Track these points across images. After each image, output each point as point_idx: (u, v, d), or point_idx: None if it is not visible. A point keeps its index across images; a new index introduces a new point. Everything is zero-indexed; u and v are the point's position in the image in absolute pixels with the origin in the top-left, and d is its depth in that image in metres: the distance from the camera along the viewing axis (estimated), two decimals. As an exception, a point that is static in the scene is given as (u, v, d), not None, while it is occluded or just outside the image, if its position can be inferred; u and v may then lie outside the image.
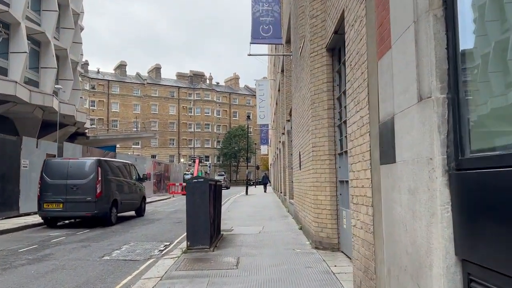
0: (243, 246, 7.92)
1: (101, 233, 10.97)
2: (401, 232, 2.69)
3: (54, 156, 15.81)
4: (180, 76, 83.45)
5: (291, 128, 14.58)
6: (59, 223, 13.18)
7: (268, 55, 27.79)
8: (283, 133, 19.43)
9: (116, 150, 48.81)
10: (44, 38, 22.74)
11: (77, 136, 31.46)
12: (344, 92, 6.55)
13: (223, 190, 43.10)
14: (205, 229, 7.25)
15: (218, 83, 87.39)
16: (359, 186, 3.94)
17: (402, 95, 2.65)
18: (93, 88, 70.68)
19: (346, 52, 4.61)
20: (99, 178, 12.13)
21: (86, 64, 73.00)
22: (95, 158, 12.54)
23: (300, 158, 9.90)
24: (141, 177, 15.56)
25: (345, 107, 6.59)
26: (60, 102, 22.82)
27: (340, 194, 7.06)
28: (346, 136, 6.44)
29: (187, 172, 33.78)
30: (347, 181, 6.56)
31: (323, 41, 7.35)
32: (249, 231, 9.97)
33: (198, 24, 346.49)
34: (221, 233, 9.43)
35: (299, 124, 9.98)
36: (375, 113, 3.28)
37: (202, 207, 7.25)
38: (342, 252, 6.86)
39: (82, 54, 31.34)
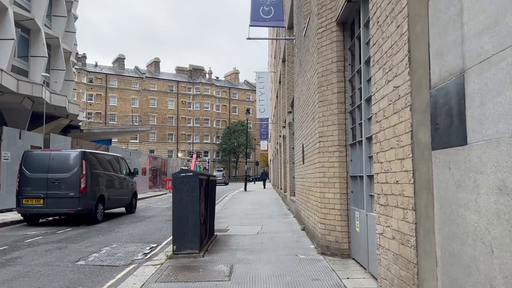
0: (239, 250, 6.92)
1: (84, 232, 9.98)
2: (478, 253, 1.69)
3: (40, 148, 14.80)
4: (179, 70, 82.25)
5: (293, 120, 13.57)
6: (41, 220, 12.20)
7: (269, 38, 26.53)
8: (284, 127, 18.42)
9: (113, 144, 47.78)
10: (34, 25, 21.64)
11: (70, 129, 30.39)
12: (359, 71, 5.53)
13: (221, 186, 42.25)
14: (194, 231, 6.25)
15: (217, 77, 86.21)
16: (392, 181, 2.92)
17: (486, 33, 1.63)
18: (90, 81, 69.50)
19: (370, 8, 3.59)
20: (84, 172, 11.13)
21: (83, 57, 71.87)
22: (79, 150, 11.53)
23: (303, 151, 8.90)
24: (132, 171, 14.54)
25: (359, 88, 5.59)
26: (51, 92, 21.77)
27: (352, 192, 6.06)
28: (361, 123, 5.44)
29: (183, 167, 32.73)
30: (360, 177, 5.56)
31: (333, 14, 6.31)
32: (246, 232, 8.98)
33: (198, 18, 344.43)
34: (215, 234, 8.44)
35: (302, 114, 8.97)
36: (424, 75, 2.26)
37: (191, 206, 6.25)
38: (354, 259, 5.86)
39: (76, 44, 30.23)
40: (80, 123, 30.41)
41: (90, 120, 65.69)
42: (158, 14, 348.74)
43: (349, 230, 6.06)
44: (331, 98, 6.33)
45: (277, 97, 25.12)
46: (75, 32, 28.18)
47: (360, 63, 5.48)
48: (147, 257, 6.93)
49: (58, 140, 16.74)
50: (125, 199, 13.90)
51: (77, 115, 26.39)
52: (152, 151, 70.38)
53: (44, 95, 20.54)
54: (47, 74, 18.68)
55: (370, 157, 5.09)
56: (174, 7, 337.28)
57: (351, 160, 6.09)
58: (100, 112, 68.81)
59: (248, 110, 32.83)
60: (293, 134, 13.73)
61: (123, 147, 50.68)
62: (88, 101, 68.59)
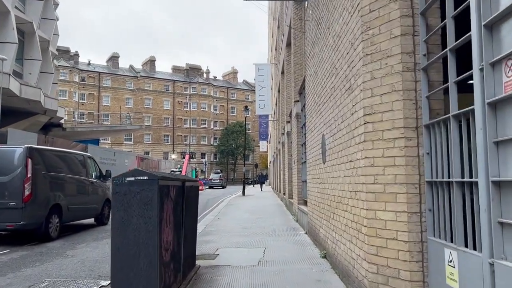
0: (229, 302, 4.23)
1: (22, 256, 7.27)
2: None
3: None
4: (176, 69, 79.52)
5: (302, 108, 10.91)
6: (-20, 237, 9.47)
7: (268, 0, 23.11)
8: (288, 122, 15.77)
9: (107, 146, 45.02)
10: (1, 6, 18.97)
11: (51, 127, 27.76)
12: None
13: (218, 190, 39.19)
14: (150, 276, 3.56)
15: (215, 77, 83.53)
16: None
17: None
18: (83, 80, 66.77)
19: None
20: (29, 175, 8.41)
21: (76, 55, 69.20)
22: (24, 145, 8.81)
23: (324, 145, 6.23)
24: (104, 174, 11.81)
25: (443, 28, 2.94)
26: (21, 84, 19.10)
27: (430, 210, 3.39)
28: (454, 84, 2.78)
29: (174, 169, 29.77)
30: (448, 183, 2.91)
31: None
32: (243, 260, 6.29)
33: (196, 18, 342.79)
34: (196, 265, 5.76)
35: (323, 91, 6.31)
36: None
37: (144, 234, 3.57)
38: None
39: (58, 34, 27.55)
40: (62, 121, 27.71)
41: (82, 120, 62.90)
42: (155, 14, 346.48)
43: (426, 280, 3.38)
44: (388, 47, 3.66)
45: (279, 91, 22.49)
46: (55, 20, 25.51)
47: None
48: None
49: (18, 135, 13.96)
50: (93, 208, 11.16)
51: (56, 111, 23.70)
52: (147, 153, 67.61)
53: (13, 86, 17.85)
54: (4, 57, 15.85)
55: (497, 143, 2.44)
56: (172, 7, 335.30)
57: (428, 153, 3.42)
58: (93, 112, 65.97)
59: (246, 107, 30.11)
60: (302, 127, 11.06)
61: (123, 149, 47.94)
62: (80, 101, 65.87)
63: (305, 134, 10.25)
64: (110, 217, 5.58)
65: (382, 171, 3.67)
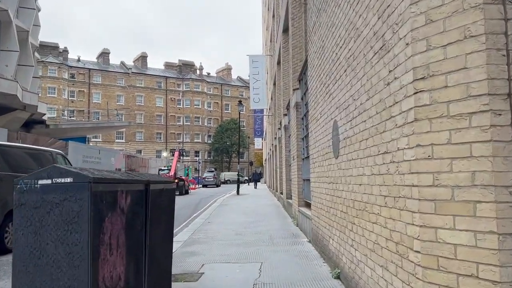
0: None
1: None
2: None
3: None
4: (168, 65, 77.76)
5: (302, 97, 9.55)
6: None
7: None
8: (285, 114, 14.42)
9: (100, 144, 43.33)
10: (-28, -8, 17.43)
11: (34, 124, 26.17)
12: None
13: (212, 189, 37.46)
14: None
15: (209, 73, 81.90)
16: None
17: None
18: (72, 77, 64.95)
19: None
20: (-23, 175, 6.99)
21: (65, 51, 67.27)
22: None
23: (336, 134, 4.88)
24: (78, 173, 10.37)
25: None
26: (-5, 76, 17.57)
27: (538, 231, 2.03)
28: None
29: (163, 168, 28.19)
30: None
31: None
32: (233, 282, 4.92)
33: (188, 16, 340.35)
34: (172, 292, 4.38)
35: (333, 68, 4.94)
36: None
37: (65, 275, 2.19)
38: None
39: (39, 25, 25.92)
40: (45, 117, 26.14)
41: (72, 118, 61.05)
42: (147, 12, 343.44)
43: None
44: (457, -32, 2.30)
45: (274, 84, 21.12)
46: (35, 9, 23.90)
47: None
48: None
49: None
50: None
51: (36, 106, 22.14)
52: (139, 151, 65.95)
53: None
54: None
55: None
56: (164, 4, 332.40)
57: (533, 137, 2.06)
58: (83, 110, 64.18)
59: (240, 102, 28.67)
60: (302, 118, 9.71)
61: (114, 147, 46.27)
62: (70, 98, 64.09)
63: (306, 126, 8.90)
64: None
65: (448, 166, 2.32)
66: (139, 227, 3.25)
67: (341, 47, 4.56)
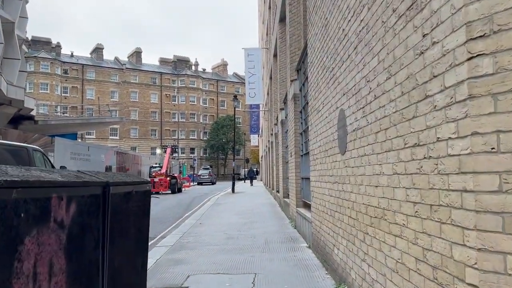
0: None
1: None
2: None
3: None
4: (163, 61, 76.67)
5: (301, 88, 8.80)
6: None
7: None
8: (282, 108, 13.70)
9: (94, 141, 42.37)
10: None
11: (22, 120, 25.29)
12: None
13: (207, 186, 36.54)
14: None
15: (204, 69, 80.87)
16: None
17: None
18: (65, 72, 63.82)
19: None
20: None
21: (58, 46, 66.07)
22: None
23: (343, 126, 4.13)
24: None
25: None
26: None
27: None
28: None
29: (154, 165, 27.25)
30: None
31: None
32: (222, 300, 4.18)
33: (184, 12, 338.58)
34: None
35: (339, 48, 4.19)
36: None
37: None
38: None
39: (26, 17, 24.96)
40: (33, 112, 25.24)
41: (65, 114, 59.96)
42: (142, 8, 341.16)
43: None
44: None
45: (271, 78, 20.37)
46: (21, 1, 22.96)
47: None
48: None
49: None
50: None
51: (23, 101, 21.27)
52: (134, 148, 65.02)
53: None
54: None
55: None
56: (160, 0, 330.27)
57: None
58: (76, 106, 63.06)
59: (235, 97, 27.88)
60: (300, 111, 8.96)
61: (108, 144, 45.32)
62: (62, 94, 63.00)
63: (305, 119, 8.16)
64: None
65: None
66: (92, 244, 2.48)
67: (349, 20, 3.80)
